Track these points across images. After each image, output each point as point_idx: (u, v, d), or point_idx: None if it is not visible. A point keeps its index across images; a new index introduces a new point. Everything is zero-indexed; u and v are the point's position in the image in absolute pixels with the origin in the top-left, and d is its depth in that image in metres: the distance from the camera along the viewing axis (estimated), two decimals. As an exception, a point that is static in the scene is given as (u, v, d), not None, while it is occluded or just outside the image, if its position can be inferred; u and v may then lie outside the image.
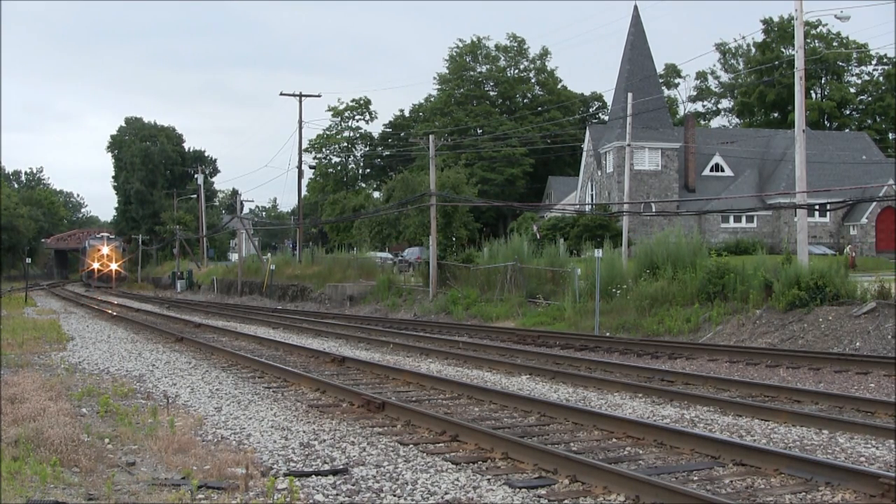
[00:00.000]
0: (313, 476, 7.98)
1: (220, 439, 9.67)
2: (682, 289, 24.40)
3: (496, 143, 77.57)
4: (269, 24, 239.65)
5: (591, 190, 65.49)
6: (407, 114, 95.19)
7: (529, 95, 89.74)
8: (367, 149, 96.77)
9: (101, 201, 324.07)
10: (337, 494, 7.39)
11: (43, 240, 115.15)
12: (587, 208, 60.56)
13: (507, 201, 70.48)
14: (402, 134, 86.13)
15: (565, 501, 7.21)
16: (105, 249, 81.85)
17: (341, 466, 8.32)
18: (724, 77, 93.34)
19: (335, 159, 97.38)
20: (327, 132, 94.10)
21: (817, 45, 77.87)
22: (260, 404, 12.10)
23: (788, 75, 63.97)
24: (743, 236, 57.05)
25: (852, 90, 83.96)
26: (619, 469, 7.66)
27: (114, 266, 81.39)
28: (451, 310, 31.93)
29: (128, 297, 58.86)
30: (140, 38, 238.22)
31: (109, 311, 37.29)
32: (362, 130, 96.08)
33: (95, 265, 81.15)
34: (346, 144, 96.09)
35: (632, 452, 8.99)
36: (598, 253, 25.77)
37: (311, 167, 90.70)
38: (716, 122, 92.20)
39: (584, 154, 67.37)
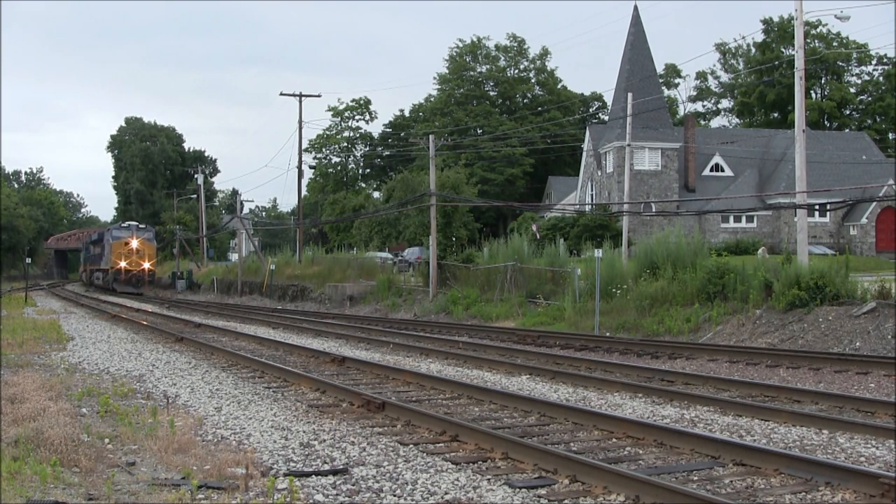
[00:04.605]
0: (313, 476, 7.98)
1: (220, 439, 9.67)
2: (682, 289, 24.38)
3: (496, 143, 77.58)
4: (269, 24, 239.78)
5: (591, 190, 65.51)
6: (407, 114, 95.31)
7: (529, 95, 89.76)
8: (367, 149, 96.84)
9: (101, 201, 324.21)
10: (337, 494, 7.38)
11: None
12: (587, 208, 60.55)
13: (507, 201, 70.52)
14: (402, 134, 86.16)
15: (565, 501, 7.21)
16: (135, 243, 64.02)
17: (341, 466, 8.31)
18: (724, 77, 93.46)
19: (335, 159, 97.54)
20: (327, 132, 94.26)
21: (817, 45, 77.86)
22: (260, 404, 12.10)
23: (788, 75, 63.95)
24: (743, 236, 57.05)
25: (852, 90, 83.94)
26: (619, 469, 7.65)
27: (146, 265, 64.54)
28: (451, 310, 31.92)
29: (128, 297, 58.82)
30: (140, 38, 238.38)
31: (109, 311, 37.28)
32: (362, 130, 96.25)
33: (122, 263, 63.21)
34: (346, 144, 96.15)
35: (632, 452, 8.99)
36: (598, 253, 25.75)
37: (311, 167, 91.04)
38: (716, 122, 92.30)
39: (584, 154, 67.39)
